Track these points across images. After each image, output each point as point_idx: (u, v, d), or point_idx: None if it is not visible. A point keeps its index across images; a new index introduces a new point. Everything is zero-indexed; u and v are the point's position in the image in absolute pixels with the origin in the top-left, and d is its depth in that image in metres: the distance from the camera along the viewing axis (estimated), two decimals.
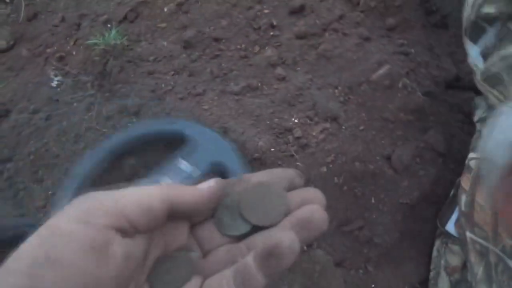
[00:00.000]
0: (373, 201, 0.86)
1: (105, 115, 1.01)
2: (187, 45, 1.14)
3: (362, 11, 1.14)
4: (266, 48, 1.07)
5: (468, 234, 0.68)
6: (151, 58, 1.15)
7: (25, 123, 1.04)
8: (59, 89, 1.13)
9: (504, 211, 0.63)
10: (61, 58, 1.23)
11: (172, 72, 1.10)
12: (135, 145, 0.93)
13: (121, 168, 0.93)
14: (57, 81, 1.16)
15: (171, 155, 0.86)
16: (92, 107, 1.05)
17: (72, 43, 1.27)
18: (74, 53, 1.24)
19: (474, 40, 0.73)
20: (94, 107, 1.04)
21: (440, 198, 0.89)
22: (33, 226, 0.56)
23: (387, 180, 0.87)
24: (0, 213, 0.89)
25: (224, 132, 0.90)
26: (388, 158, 0.89)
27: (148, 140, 0.93)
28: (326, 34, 1.08)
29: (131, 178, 0.93)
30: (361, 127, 0.91)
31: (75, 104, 1.08)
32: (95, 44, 1.18)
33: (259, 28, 1.12)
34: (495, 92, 0.69)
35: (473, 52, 0.74)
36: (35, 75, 1.19)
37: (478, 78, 0.74)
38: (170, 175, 0.81)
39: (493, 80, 0.68)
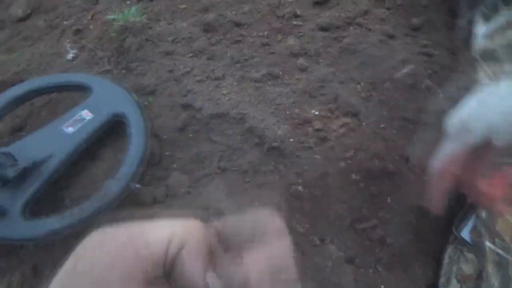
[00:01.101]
0: (388, 200, 0.85)
1: None
2: (208, 28, 1.12)
3: (387, 8, 1.12)
4: (289, 37, 1.05)
5: (487, 243, 0.67)
6: (170, 38, 1.13)
7: None
8: (74, 62, 1.11)
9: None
10: (77, 32, 1.21)
11: (191, 54, 1.08)
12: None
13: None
14: (73, 54, 1.14)
15: (75, 105, 0.91)
16: None
17: (89, 17, 1.25)
18: (91, 27, 1.22)
19: (486, 19, 0.73)
20: None
21: (456, 203, 0.87)
22: None
23: (404, 180, 0.86)
24: None
25: (242, 118, 0.88)
26: (407, 159, 0.87)
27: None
28: (350, 28, 1.06)
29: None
30: (382, 125, 0.89)
31: None
32: (114, 20, 1.16)
33: (282, 16, 1.10)
34: (486, 67, 0.68)
35: (481, 31, 0.74)
36: (51, 47, 1.17)
37: (474, 53, 0.73)
38: (72, 123, 0.85)
39: (489, 56, 0.68)
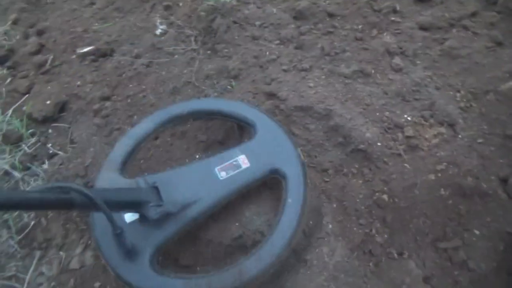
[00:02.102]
0: (477, 223, 0.78)
1: (205, 73, 0.99)
2: (298, 15, 1.09)
3: (498, 12, 1.02)
4: (385, 33, 0.99)
5: None
6: (258, 23, 1.11)
7: (127, 65, 1.04)
8: (162, 38, 1.12)
9: None
10: (167, 8, 1.22)
11: (278, 41, 1.05)
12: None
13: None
14: (161, 29, 1.15)
15: (233, 144, 0.83)
16: (192, 62, 1.03)
17: None
18: (180, 4, 1.23)
19: None
20: (195, 63, 1.03)
21: None
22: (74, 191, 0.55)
23: (497, 204, 0.78)
24: (98, 150, 0.90)
25: (328, 114, 0.85)
26: (504, 181, 0.80)
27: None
28: (454, 30, 0.98)
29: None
30: (479, 140, 0.82)
31: (176, 56, 1.06)
32: None
33: (380, 10, 1.04)
34: None
35: None
36: (141, 20, 1.19)
37: None
38: (226, 168, 0.75)
39: None
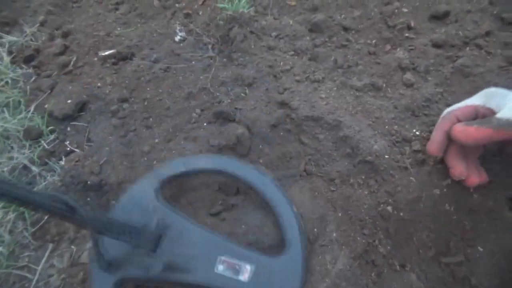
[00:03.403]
0: (481, 239, 0.78)
1: (220, 80, 1.02)
2: (314, 28, 1.11)
3: None
4: (398, 49, 1.01)
5: None
6: (274, 34, 1.14)
7: (146, 69, 1.08)
8: (181, 44, 1.16)
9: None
10: (187, 15, 1.26)
11: (292, 52, 1.08)
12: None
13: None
14: (181, 36, 1.19)
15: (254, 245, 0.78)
16: (209, 69, 1.06)
17: (200, 2, 1.30)
18: (200, 13, 1.26)
19: None
20: (211, 70, 1.06)
21: None
22: (66, 204, 0.56)
23: (503, 222, 0.79)
24: (113, 150, 0.93)
25: (337, 125, 0.87)
26: (511, 199, 0.80)
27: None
28: (467, 48, 0.99)
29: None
30: (487, 157, 0.82)
31: (193, 62, 1.10)
32: (223, 8, 1.19)
33: (394, 26, 1.05)
34: None
35: None
36: (161, 26, 1.23)
37: None
38: (228, 265, 0.70)
39: None
